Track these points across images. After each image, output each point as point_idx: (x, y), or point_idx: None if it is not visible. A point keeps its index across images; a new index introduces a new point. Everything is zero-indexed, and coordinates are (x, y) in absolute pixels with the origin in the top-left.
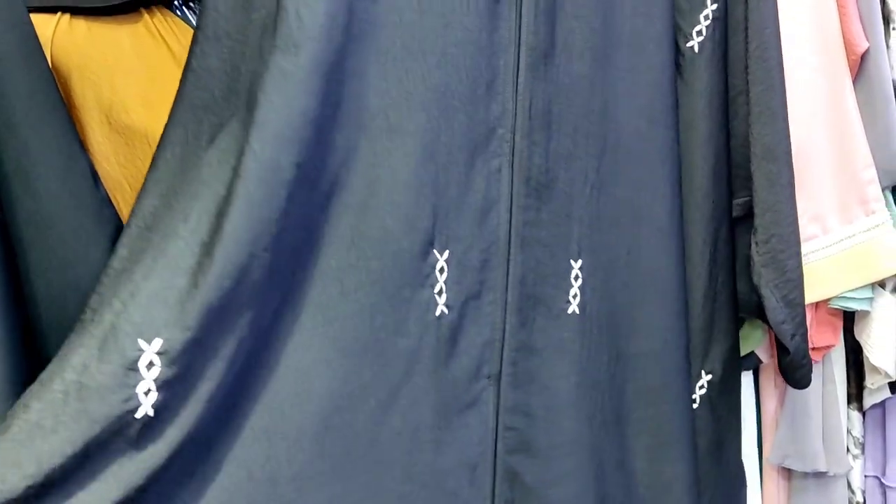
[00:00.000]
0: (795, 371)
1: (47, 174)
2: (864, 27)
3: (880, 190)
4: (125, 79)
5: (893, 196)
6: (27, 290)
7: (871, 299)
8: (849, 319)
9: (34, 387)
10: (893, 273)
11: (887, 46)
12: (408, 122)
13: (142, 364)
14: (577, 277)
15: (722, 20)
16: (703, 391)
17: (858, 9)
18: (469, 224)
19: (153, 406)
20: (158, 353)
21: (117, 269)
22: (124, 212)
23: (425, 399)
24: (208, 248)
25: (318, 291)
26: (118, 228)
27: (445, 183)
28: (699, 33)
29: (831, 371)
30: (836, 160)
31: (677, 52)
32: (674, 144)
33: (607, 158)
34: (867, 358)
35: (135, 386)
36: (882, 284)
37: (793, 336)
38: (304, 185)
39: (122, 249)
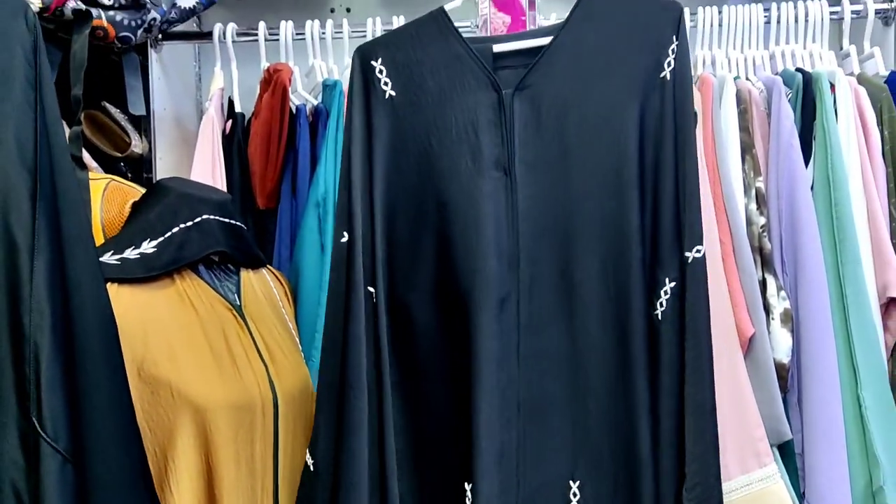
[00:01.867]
0: None
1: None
2: (749, 316)
3: (769, 446)
4: (157, 337)
5: (779, 451)
6: None
7: None
8: None
9: None
10: None
11: (769, 332)
12: None
13: None
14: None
15: (680, 295)
16: None
17: (745, 301)
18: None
19: None
20: None
21: None
22: None
23: None
24: None
25: None
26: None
27: None
28: (661, 304)
29: None
30: (734, 420)
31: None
32: (645, 408)
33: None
34: None
35: None
36: None
37: None
38: None
39: None
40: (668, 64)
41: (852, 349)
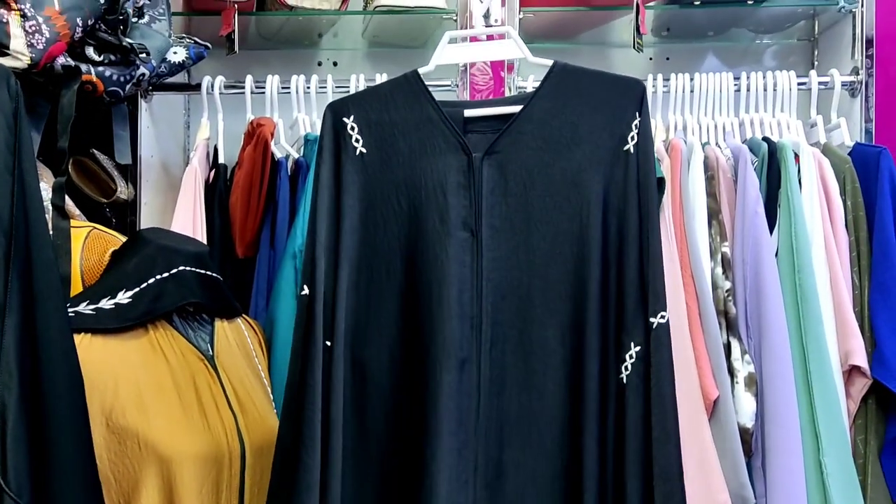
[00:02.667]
0: None
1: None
2: (714, 379)
3: None
4: (127, 386)
5: None
6: None
7: None
8: None
9: None
10: None
11: (733, 395)
12: None
13: None
14: None
15: (644, 359)
16: None
17: (710, 365)
18: None
19: None
20: None
21: None
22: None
23: None
24: None
25: None
26: None
27: None
28: (626, 368)
29: None
30: (698, 483)
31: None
32: (594, 472)
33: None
34: None
35: None
36: None
37: None
38: None
39: None
40: (632, 138)
41: (815, 415)
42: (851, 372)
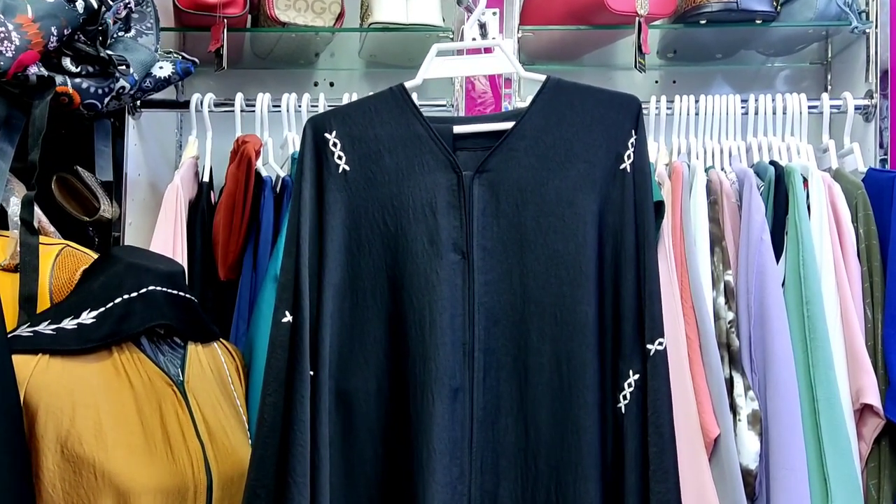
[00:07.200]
0: None
1: None
2: (715, 416)
3: None
4: (85, 412)
5: None
6: None
7: None
8: None
9: None
10: None
11: (735, 434)
12: None
13: None
14: None
15: (643, 388)
16: None
17: (711, 400)
18: None
19: None
20: None
21: None
22: None
23: None
24: None
25: None
26: None
27: None
28: (625, 397)
29: None
30: None
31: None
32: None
33: None
34: None
35: None
36: None
37: None
38: None
39: None
40: (628, 156)
41: (823, 458)
42: (863, 411)
